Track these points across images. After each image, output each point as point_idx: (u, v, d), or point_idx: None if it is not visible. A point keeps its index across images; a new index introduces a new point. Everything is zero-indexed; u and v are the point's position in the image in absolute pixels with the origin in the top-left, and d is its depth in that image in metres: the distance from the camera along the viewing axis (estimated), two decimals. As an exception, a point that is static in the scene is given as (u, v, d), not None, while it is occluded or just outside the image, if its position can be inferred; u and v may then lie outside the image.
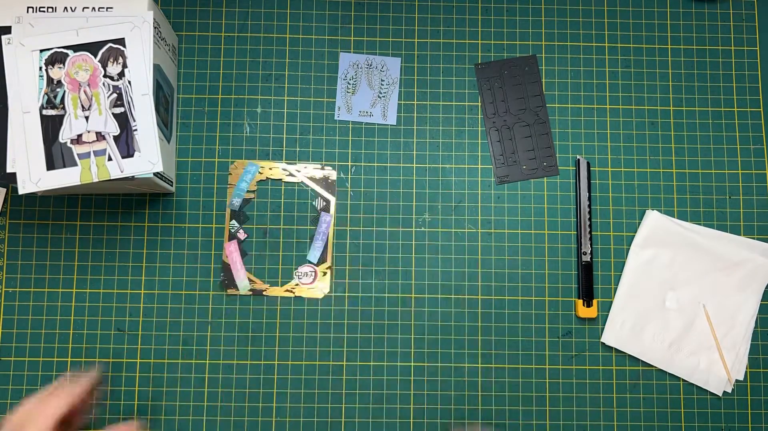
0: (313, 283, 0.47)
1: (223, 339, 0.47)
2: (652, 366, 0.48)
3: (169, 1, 0.51)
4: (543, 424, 0.47)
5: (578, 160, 0.49)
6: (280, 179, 0.47)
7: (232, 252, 0.46)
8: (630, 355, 0.48)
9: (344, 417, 0.47)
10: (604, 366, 0.48)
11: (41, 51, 0.40)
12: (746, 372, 0.48)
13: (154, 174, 0.43)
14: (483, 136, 0.50)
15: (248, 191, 0.47)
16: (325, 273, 0.47)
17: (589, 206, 0.49)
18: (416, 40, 0.51)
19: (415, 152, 0.50)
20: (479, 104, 0.50)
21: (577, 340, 0.48)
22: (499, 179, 0.50)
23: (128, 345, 0.47)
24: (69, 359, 0.47)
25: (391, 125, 0.50)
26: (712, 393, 0.48)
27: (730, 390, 0.48)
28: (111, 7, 0.41)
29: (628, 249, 0.49)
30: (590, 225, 0.48)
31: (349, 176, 0.49)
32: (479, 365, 0.48)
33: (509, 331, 0.48)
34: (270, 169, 0.47)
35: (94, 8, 0.41)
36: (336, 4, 0.51)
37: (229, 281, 0.47)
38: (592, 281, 0.48)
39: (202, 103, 0.50)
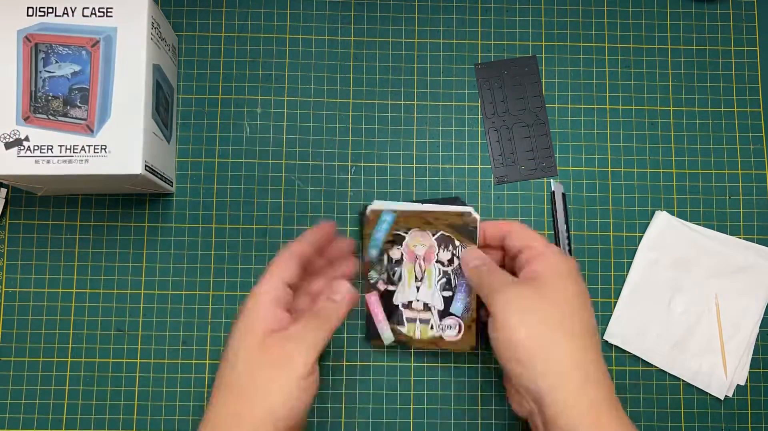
0: (458, 337, 0.45)
1: (223, 339, 0.47)
2: (652, 366, 0.48)
3: (169, 1, 0.51)
4: (543, 424, 0.47)
5: (553, 190, 0.48)
6: (417, 227, 0.45)
7: (373, 304, 0.45)
8: (630, 355, 0.48)
9: (344, 418, 0.47)
10: (604, 366, 0.48)
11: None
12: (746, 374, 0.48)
13: (155, 174, 0.43)
14: (483, 136, 0.50)
15: (388, 242, 0.45)
16: (470, 327, 0.45)
17: (568, 236, 0.48)
18: (416, 40, 0.51)
19: (415, 152, 0.50)
20: (479, 104, 0.50)
21: (577, 340, 0.48)
22: (498, 179, 0.50)
23: (128, 345, 0.47)
24: (69, 359, 0.47)
25: (392, 127, 0.50)
26: (712, 395, 0.48)
27: (731, 394, 0.48)
28: (111, 8, 0.41)
29: (628, 248, 0.49)
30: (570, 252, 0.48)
31: (349, 176, 0.49)
32: (479, 365, 0.48)
33: (509, 331, 0.48)
34: (405, 218, 0.45)
35: (93, 8, 0.41)
36: (336, 4, 0.51)
37: (372, 332, 0.46)
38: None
39: (202, 103, 0.50)
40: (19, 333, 0.47)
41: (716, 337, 0.48)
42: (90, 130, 0.40)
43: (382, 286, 0.45)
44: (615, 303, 0.48)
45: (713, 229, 0.49)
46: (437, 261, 0.45)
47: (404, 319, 0.45)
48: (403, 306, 0.45)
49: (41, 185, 0.44)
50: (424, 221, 0.45)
